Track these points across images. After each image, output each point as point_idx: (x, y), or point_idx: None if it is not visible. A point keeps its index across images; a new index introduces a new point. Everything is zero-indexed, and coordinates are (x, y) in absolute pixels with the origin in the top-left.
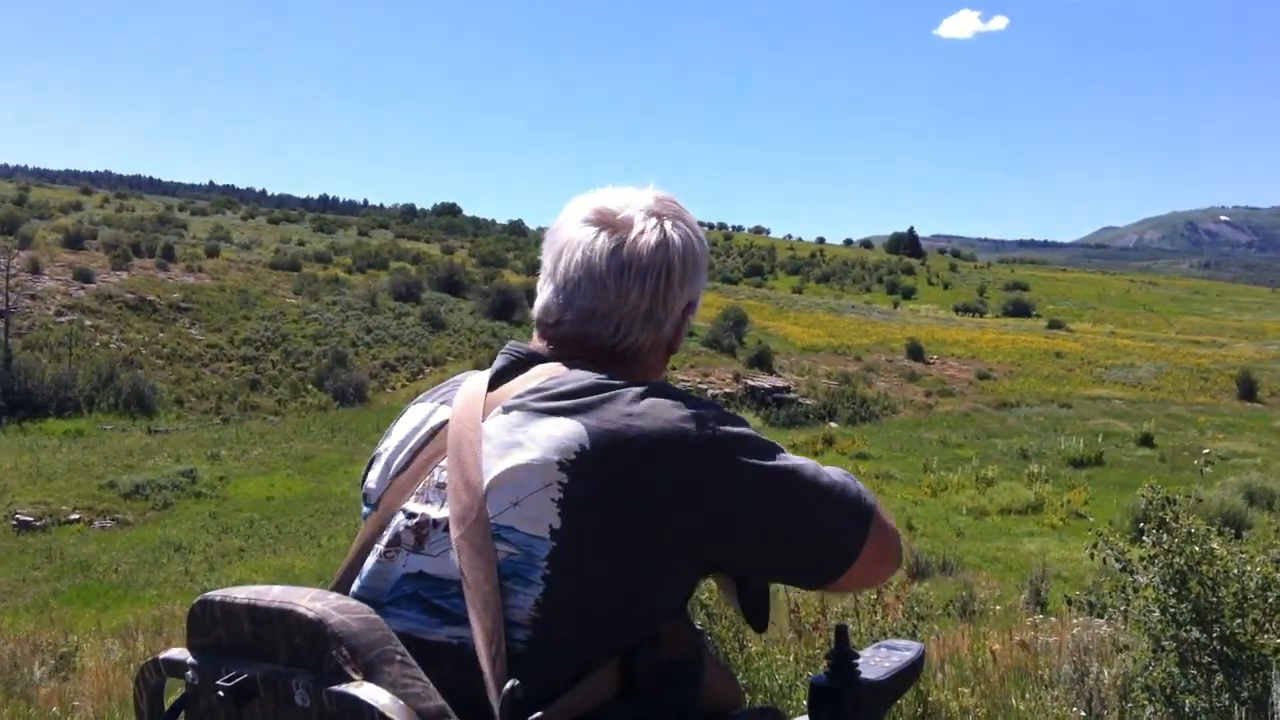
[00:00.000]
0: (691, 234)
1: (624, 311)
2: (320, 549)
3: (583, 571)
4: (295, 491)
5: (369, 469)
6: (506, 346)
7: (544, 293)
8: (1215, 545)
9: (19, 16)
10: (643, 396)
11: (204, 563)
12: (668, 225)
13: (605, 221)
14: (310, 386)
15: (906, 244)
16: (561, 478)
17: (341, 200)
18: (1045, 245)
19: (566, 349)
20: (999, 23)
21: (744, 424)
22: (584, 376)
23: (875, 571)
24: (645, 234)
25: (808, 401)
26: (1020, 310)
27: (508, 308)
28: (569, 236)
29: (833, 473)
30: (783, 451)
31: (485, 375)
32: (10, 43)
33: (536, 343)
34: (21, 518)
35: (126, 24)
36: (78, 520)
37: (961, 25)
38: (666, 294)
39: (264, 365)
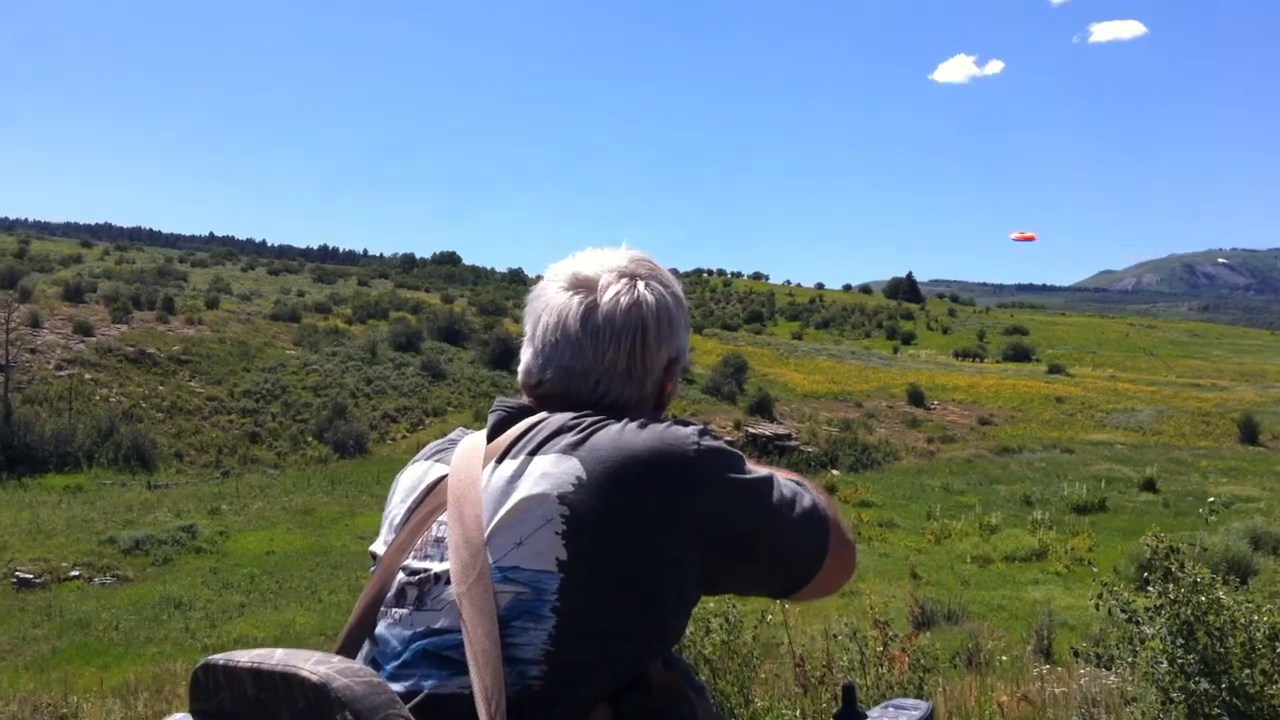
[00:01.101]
0: (666, 292)
1: (601, 369)
2: (321, 604)
3: (593, 598)
4: (295, 546)
5: (380, 533)
6: (496, 403)
7: (525, 356)
8: (1221, 595)
9: (19, 70)
10: (628, 422)
11: (205, 619)
12: (641, 285)
13: (579, 285)
14: (310, 439)
15: (905, 289)
16: (563, 510)
17: (341, 250)
18: (1043, 289)
19: (551, 404)
20: (994, 67)
21: (720, 438)
22: (570, 415)
23: (835, 579)
24: (618, 295)
25: (809, 449)
26: (1020, 355)
27: (508, 356)
28: (546, 302)
29: (790, 480)
30: (746, 460)
31: (481, 434)
32: (10, 96)
33: (525, 400)
34: (21, 575)
35: (125, 78)
36: (78, 577)
37: (957, 70)
38: (643, 352)
39: (264, 418)
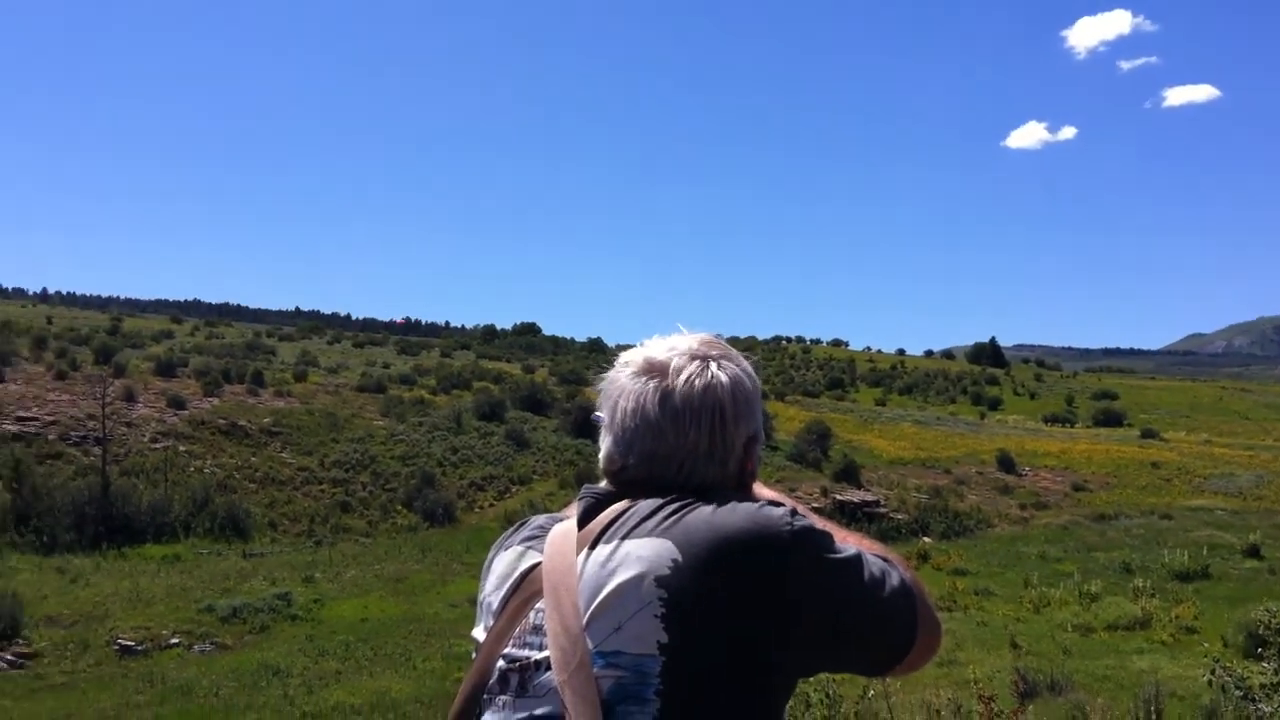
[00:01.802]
0: (740, 371)
1: (684, 452)
2: (416, 671)
3: (696, 680)
4: (389, 613)
5: (477, 618)
6: (583, 490)
7: (605, 443)
8: None
9: (111, 154)
10: (720, 504)
11: (302, 685)
12: (714, 366)
13: (653, 369)
14: (400, 507)
15: (989, 354)
16: (661, 593)
17: (424, 322)
18: (1131, 353)
19: (635, 490)
20: (1067, 133)
21: (807, 517)
22: (659, 499)
23: (923, 656)
24: (693, 377)
25: (899, 516)
26: (1111, 420)
27: (590, 425)
28: (621, 388)
29: (876, 554)
30: (835, 536)
31: (572, 521)
32: (100, 178)
33: (609, 486)
34: (123, 642)
35: (212, 159)
36: (178, 645)
37: (1029, 136)
38: (723, 432)
39: (354, 487)
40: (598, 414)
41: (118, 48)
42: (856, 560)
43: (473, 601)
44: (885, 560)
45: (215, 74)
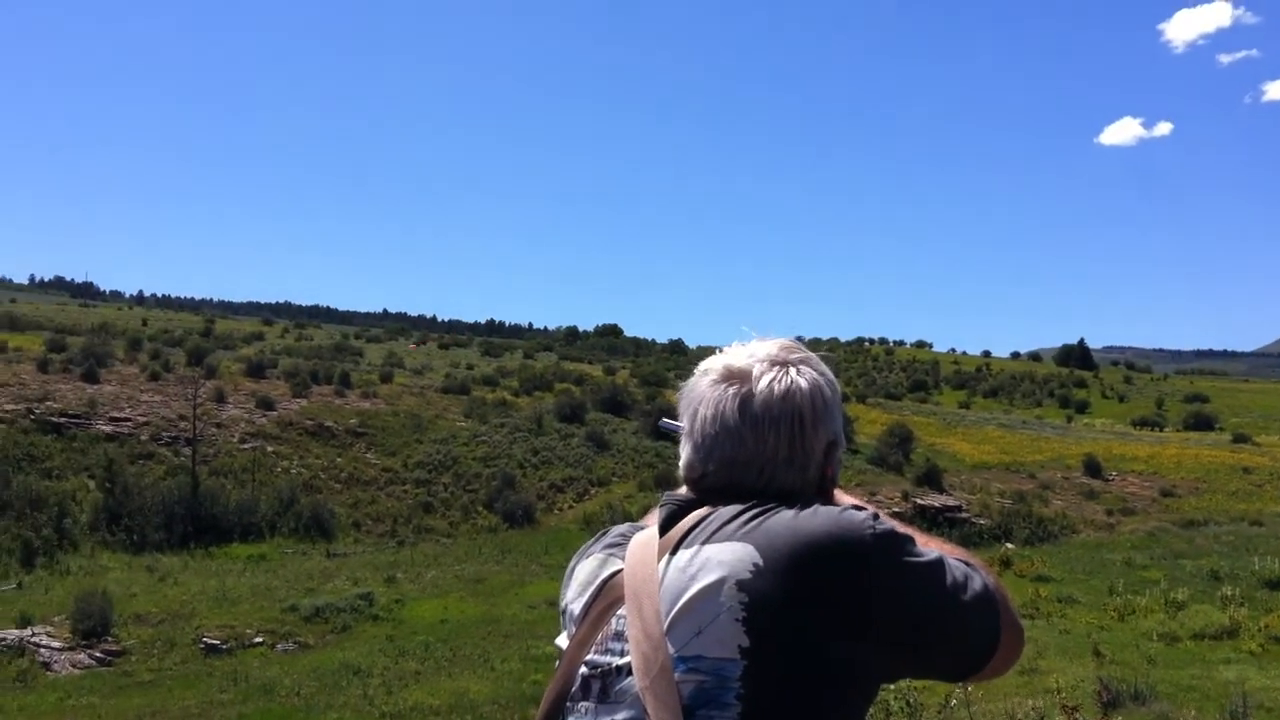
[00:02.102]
0: (820, 377)
1: (764, 458)
2: (494, 672)
3: (777, 684)
4: (468, 614)
5: (561, 626)
6: (665, 497)
7: (685, 450)
8: None
9: (207, 160)
10: (801, 508)
11: (382, 686)
12: (793, 372)
13: (732, 376)
14: (480, 508)
15: (1077, 356)
16: (742, 597)
17: (508, 324)
18: (1224, 355)
19: (716, 497)
20: (1163, 129)
21: (889, 520)
22: (740, 505)
23: (1006, 662)
24: (773, 383)
25: (981, 521)
26: (1202, 424)
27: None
28: (701, 395)
29: (958, 558)
30: (916, 540)
31: (653, 528)
32: (195, 183)
33: (690, 493)
34: (208, 641)
35: (303, 165)
36: (261, 644)
37: (1124, 132)
38: (803, 438)
39: (436, 488)
40: (664, 421)
41: (208, 54)
42: (939, 564)
43: (551, 603)
44: (968, 565)
45: (304, 80)
